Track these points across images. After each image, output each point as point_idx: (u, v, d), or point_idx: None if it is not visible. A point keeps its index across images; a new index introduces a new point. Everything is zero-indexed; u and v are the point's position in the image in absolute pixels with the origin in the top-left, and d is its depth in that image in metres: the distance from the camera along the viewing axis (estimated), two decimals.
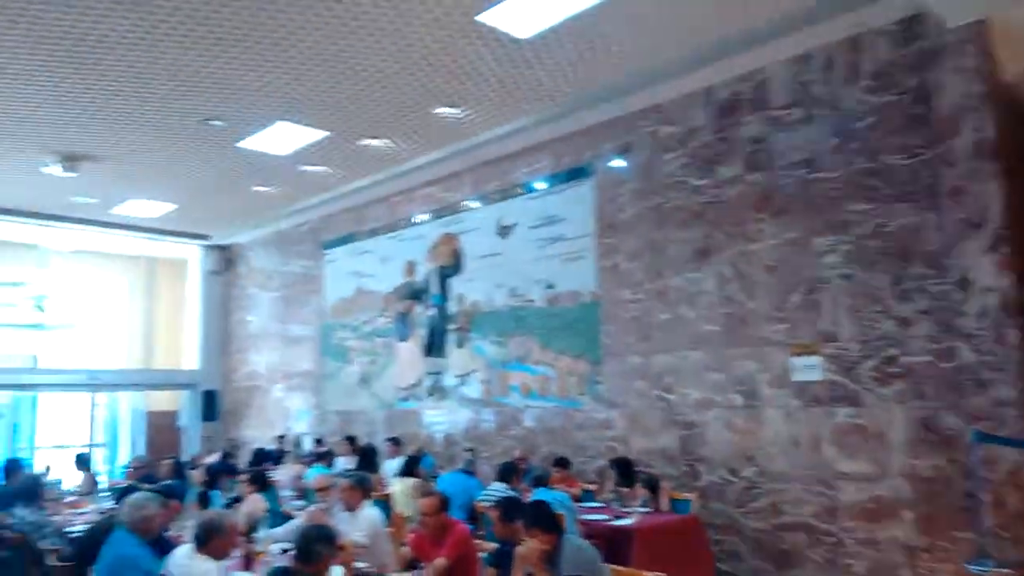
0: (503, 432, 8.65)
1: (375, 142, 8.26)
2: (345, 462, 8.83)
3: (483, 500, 6.19)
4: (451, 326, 9.42)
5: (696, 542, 5.97)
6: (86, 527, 5.56)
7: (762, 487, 6.29)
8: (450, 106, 7.29)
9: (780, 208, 6.35)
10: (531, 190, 8.59)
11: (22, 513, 5.70)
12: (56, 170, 8.79)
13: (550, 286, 8.23)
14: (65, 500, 7.55)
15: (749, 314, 6.49)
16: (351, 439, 9.55)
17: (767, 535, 6.23)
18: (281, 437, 11.16)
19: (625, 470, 6.59)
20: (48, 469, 9.41)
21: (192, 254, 13.77)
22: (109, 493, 7.93)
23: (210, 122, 7.58)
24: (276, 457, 9.70)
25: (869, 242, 5.81)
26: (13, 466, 7.76)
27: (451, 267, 9.50)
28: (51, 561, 4.96)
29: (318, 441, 10.50)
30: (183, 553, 3.96)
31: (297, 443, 10.70)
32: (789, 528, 6.10)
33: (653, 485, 6.33)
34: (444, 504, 4.56)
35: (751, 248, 6.51)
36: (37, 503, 5.87)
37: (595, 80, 6.86)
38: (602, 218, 7.78)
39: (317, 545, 3.46)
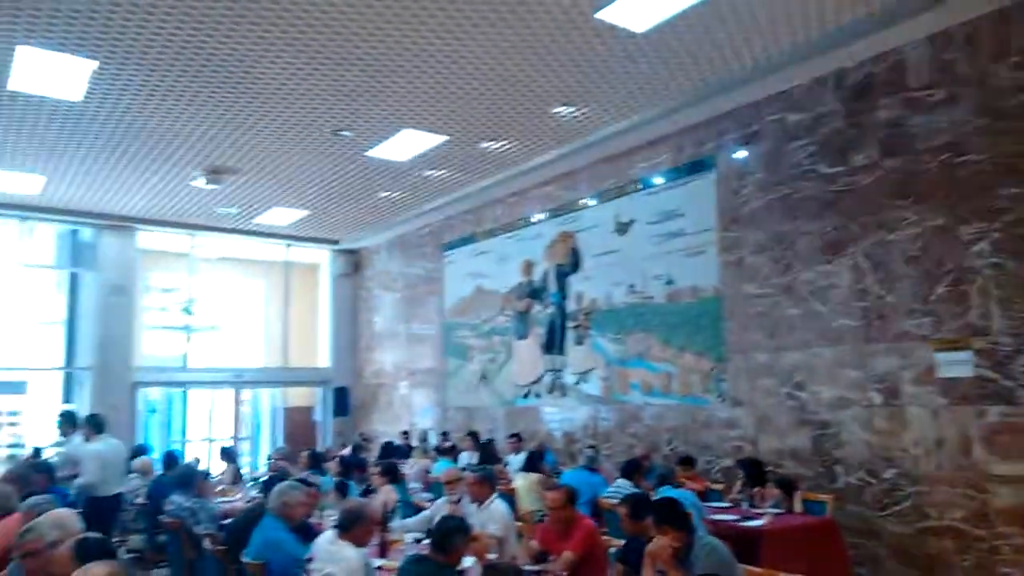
0: (623, 430, 8.60)
1: (493, 144, 8.42)
2: (468, 457, 9.07)
3: (608, 497, 6.18)
4: (570, 324, 9.46)
5: (832, 545, 5.72)
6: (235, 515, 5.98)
7: (905, 489, 5.95)
8: (567, 104, 7.32)
9: (922, 195, 5.98)
10: (649, 185, 8.50)
11: (179, 500, 6.20)
12: (201, 183, 9.51)
13: (670, 282, 8.11)
14: (214, 490, 8.13)
15: (888, 308, 6.15)
16: (473, 435, 9.78)
17: (910, 540, 5.89)
18: (406, 433, 11.57)
19: (754, 470, 6.41)
20: (198, 460, 10.18)
21: (323, 258, 14.51)
22: (252, 483, 8.48)
23: (340, 133, 7.97)
24: (404, 451, 10.06)
25: (1022, 229, 5.38)
26: (171, 458, 8.44)
27: (568, 265, 9.54)
28: (207, 545, 5.35)
29: (443, 435, 10.81)
30: (326, 538, 4.19)
31: (423, 438, 11.05)
32: (935, 533, 5.74)
33: (787, 486, 6.11)
34: (572, 498, 4.59)
35: (890, 238, 6.16)
36: (193, 491, 6.38)
37: (716, 70, 6.70)
38: (724, 211, 7.58)
39: (454, 536, 3.59)
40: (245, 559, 4.45)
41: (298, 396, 14.58)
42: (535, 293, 10.06)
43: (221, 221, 11.93)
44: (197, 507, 6.15)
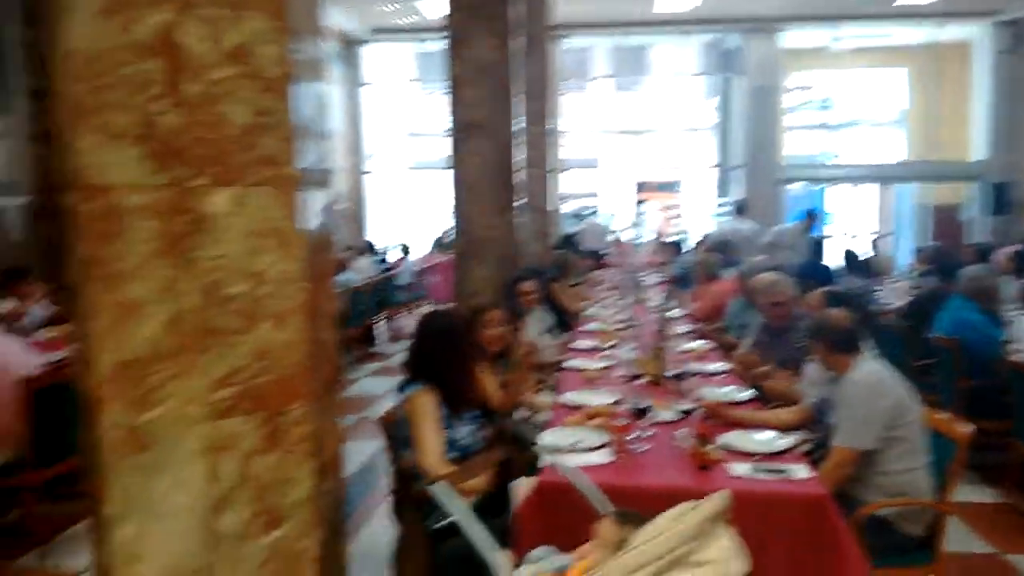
0: None
1: None
2: None
3: None
4: None
5: None
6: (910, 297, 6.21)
7: None
8: None
9: None
10: None
11: (854, 280, 6.76)
12: None
13: None
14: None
15: None
16: None
17: None
18: None
19: None
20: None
21: (976, 35, 12.66)
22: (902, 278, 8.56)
23: None
24: None
25: None
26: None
27: None
28: (889, 320, 5.70)
29: None
30: None
31: None
32: None
33: None
34: None
35: None
36: (866, 274, 6.91)
37: None
38: None
39: None
40: (936, 334, 4.64)
41: (944, 193, 13.59)
42: None
43: (859, 8, 11.35)
44: (870, 288, 6.65)
